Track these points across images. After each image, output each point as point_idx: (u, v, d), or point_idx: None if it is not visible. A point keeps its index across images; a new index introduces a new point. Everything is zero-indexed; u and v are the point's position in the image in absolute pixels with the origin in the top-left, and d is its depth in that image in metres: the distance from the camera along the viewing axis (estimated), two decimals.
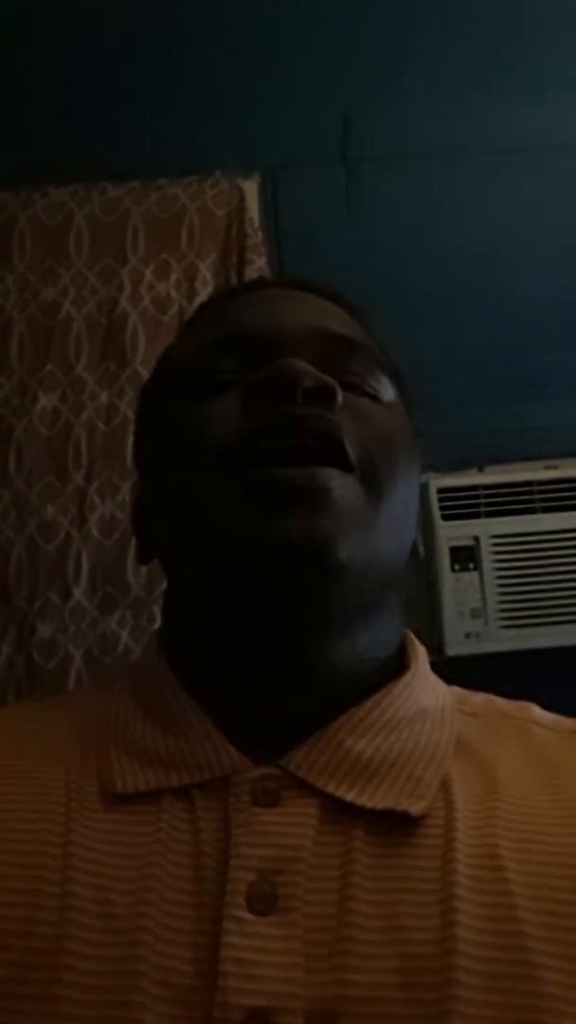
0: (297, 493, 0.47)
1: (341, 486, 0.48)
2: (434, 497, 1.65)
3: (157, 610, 1.57)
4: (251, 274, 1.69)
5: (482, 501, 1.66)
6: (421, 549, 0.60)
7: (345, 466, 0.49)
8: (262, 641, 0.50)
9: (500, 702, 0.57)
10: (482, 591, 1.63)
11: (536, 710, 0.56)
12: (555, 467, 1.70)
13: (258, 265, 1.72)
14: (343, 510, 0.48)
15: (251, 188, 1.80)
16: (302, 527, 0.46)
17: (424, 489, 1.65)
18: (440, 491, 1.66)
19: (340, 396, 0.51)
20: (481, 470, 1.72)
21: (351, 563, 0.47)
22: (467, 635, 1.61)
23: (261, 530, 0.47)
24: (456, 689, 0.57)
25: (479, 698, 0.57)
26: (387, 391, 0.56)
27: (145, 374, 1.63)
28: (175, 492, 0.52)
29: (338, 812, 0.46)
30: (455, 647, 1.61)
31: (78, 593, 1.61)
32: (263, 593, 0.48)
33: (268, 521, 0.47)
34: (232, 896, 0.42)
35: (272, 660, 0.50)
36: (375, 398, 0.55)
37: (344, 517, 0.48)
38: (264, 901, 0.42)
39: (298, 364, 0.49)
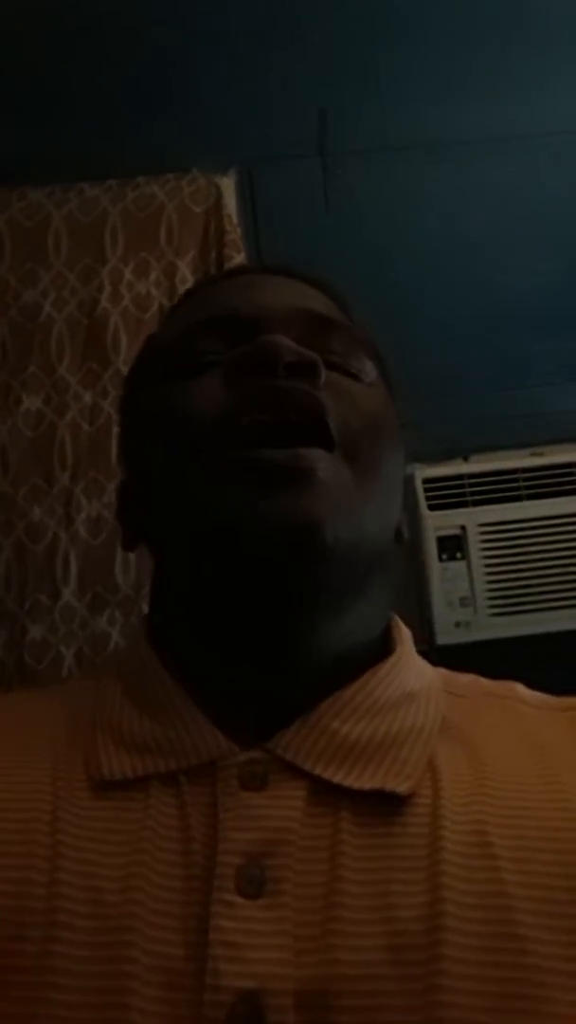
0: (282, 475, 0.47)
1: (326, 467, 0.48)
2: (420, 487, 1.66)
3: (147, 607, 1.57)
4: None
5: (468, 490, 1.67)
6: (406, 531, 0.60)
7: (328, 443, 0.49)
8: (247, 621, 0.50)
9: (485, 682, 0.57)
10: (470, 580, 1.64)
11: (521, 689, 0.57)
12: (540, 454, 1.71)
13: (237, 261, 1.71)
14: (328, 491, 0.48)
15: (228, 184, 1.80)
16: (287, 510, 0.47)
17: (410, 480, 1.66)
18: (426, 481, 1.67)
19: (323, 372, 0.51)
20: (467, 459, 1.73)
21: (337, 545, 0.47)
22: (457, 624, 1.62)
23: (246, 513, 0.47)
24: (442, 670, 0.57)
25: (465, 678, 0.57)
26: (369, 372, 0.56)
27: None
28: (160, 472, 0.52)
29: (325, 794, 0.46)
30: (445, 636, 1.61)
31: (67, 593, 1.61)
32: (248, 576, 0.48)
33: (253, 504, 0.47)
34: (221, 880, 0.43)
35: (257, 641, 0.50)
36: (357, 378, 0.55)
37: (329, 499, 0.48)
38: (253, 884, 0.43)
39: (280, 339, 0.50)
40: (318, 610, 0.50)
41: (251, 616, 0.49)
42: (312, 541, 0.47)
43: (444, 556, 1.65)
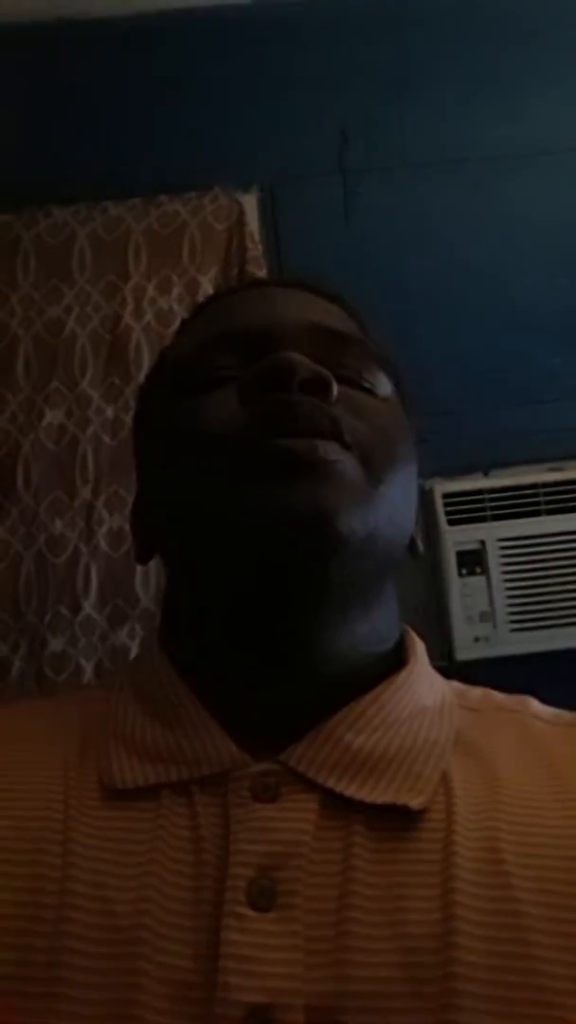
0: (298, 463, 0.48)
1: (342, 460, 0.49)
2: (440, 502, 1.66)
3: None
4: None
5: (488, 505, 1.66)
6: (421, 544, 0.60)
7: (343, 444, 0.50)
8: (261, 622, 0.50)
9: (499, 696, 0.57)
10: (490, 595, 1.63)
11: (535, 704, 0.56)
12: (560, 469, 1.70)
13: (259, 277, 1.73)
14: (343, 482, 0.48)
15: (250, 202, 1.82)
16: (303, 497, 0.47)
17: (430, 494, 1.66)
18: (446, 496, 1.67)
19: (336, 388, 0.51)
20: (486, 474, 1.72)
21: (351, 534, 0.47)
22: (476, 639, 1.61)
23: (262, 502, 0.47)
24: (455, 684, 0.57)
25: (477, 692, 0.57)
26: (383, 386, 0.57)
27: None
28: (174, 479, 0.53)
29: (338, 807, 0.46)
30: (464, 652, 1.61)
31: (88, 606, 1.62)
32: (261, 565, 0.48)
33: (269, 491, 0.47)
34: (232, 892, 0.42)
35: (271, 644, 0.50)
36: (371, 392, 0.55)
37: (344, 489, 0.48)
38: (264, 897, 0.42)
39: (294, 356, 0.50)
40: (330, 607, 0.49)
41: (264, 612, 0.49)
42: (327, 530, 0.47)
43: (463, 571, 1.64)
